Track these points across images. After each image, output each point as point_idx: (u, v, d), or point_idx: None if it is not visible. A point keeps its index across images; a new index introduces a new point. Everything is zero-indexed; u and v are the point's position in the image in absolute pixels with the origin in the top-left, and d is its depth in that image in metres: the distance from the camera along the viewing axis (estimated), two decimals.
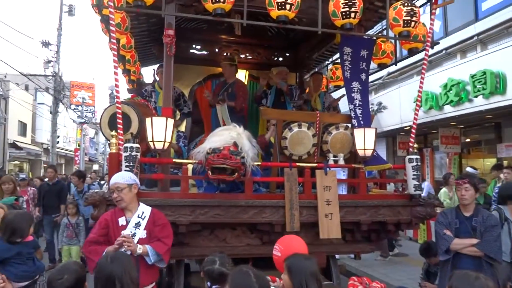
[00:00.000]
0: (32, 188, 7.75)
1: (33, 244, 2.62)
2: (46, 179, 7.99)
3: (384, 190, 4.77)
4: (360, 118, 4.15)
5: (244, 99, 5.49)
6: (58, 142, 23.54)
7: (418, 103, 4.12)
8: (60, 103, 21.83)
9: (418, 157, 3.95)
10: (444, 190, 7.28)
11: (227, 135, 3.53)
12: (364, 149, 3.89)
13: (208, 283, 2.44)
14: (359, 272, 6.69)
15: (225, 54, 6.23)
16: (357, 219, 3.86)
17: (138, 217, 3.00)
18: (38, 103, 26.40)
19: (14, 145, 23.06)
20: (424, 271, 4.69)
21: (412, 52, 4.23)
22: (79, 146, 29.02)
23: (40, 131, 27.60)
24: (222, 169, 3.30)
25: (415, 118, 4.14)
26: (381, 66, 4.86)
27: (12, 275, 2.44)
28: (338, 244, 4.05)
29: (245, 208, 3.59)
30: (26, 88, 25.81)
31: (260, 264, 3.96)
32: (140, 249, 2.84)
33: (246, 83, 6.25)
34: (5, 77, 20.64)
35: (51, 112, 21.80)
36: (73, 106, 28.37)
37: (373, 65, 4.61)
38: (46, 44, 19.99)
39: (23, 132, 25.61)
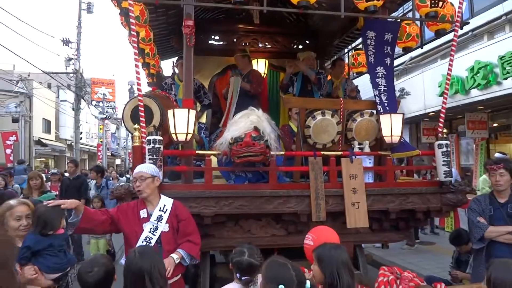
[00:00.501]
0: None
1: (64, 236, 2.64)
2: (67, 174, 7.98)
3: (411, 177, 4.63)
4: (386, 104, 4.03)
5: (258, 85, 5.46)
6: (81, 138, 24.07)
7: (447, 86, 3.95)
8: (82, 100, 22.25)
9: (448, 142, 3.81)
10: (484, 177, 7.03)
11: (246, 121, 3.49)
12: (391, 136, 3.77)
13: (238, 275, 2.40)
14: (385, 262, 6.58)
15: (243, 43, 6.15)
16: (385, 207, 3.76)
17: (160, 210, 2.96)
18: (61, 101, 26.94)
19: (39, 142, 23.68)
20: (454, 260, 4.57)
21: (439, 34, 4.06)
22: (101, 141, 29.53)
23: (64, 127, 28.21)
24: (248, 156, 3.30)
25: (444, 102, 3.98)
26: (406, 50, 4.69)
27: (44, 267, 2.47)
28: (365, 234, 3.96)
29: (269, 199, 3.54)
30: (49, 86, 26.34)
31: (285, 254, 3.93)
32: (177, 259, 2.85)
33: (266, 72, 6.17)
34: (29, 76, 21.06)
35: (73, 109, 22.26)
36: (94, 103, 28.78)
37: (397, 49, 4.46)
38: (66, 42, 20.33)
39: (47, 129, 26.25)
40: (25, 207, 2.66)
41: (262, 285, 1.93)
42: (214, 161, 3.86)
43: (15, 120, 18.40)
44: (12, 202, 2.71)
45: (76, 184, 7.43)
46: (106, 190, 7.68)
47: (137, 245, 2.77)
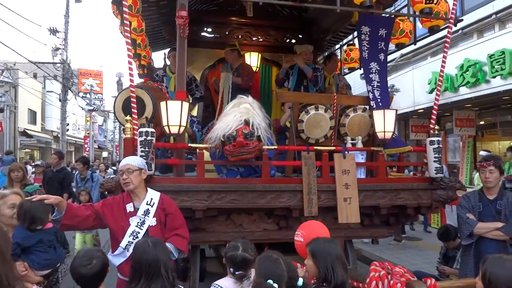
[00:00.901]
0: None
1: (53, 230, 2.58)
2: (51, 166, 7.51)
3: (402, 173, 4.66)
4: (379, 100, 4.04)
5: (249, 79, 5.44)
6: (67, 130, 23.73)
7: (440, 83, 3.98)
8: (69, 91, 21.89)
9: (440, 139, 3.83)
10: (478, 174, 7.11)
11: (236, 113, 3.40)
12: (384, 132, 3.79)
13: (231, 269, 2.39)
14: (374, 257, 6.65)
15: (236, 36, 6.09)
16: (376, 203, 3.78)
17: (147, 204, 2.89)
18: (47, 91, 26.50)
19: (24, 133, 23.27)
20: (441, 255, 4.62)
21: (433, 30, 4.07)
22: (88, 133, 29.16)
23: (50, 119, 27.79)
24: (241, 155, 3.30)
25: (436, 99, 4.01)
26: (399, 46, 4.72)
27: (34, 264, 2.41)
28: (356, 229, 3.98)
29: (262, 193, 3.52)
30: (35, 76, 25.85)
31: (275, 249, 3.93)
32: None
33: (258, 66, 6.13)
34: (14, 65, 20.67)
35: (60, 100, 21.89)
36: (81, 94, 28.40)
37: (390, 45, 4.47)
38: (53, 31, 19.93)
39: (33, 120, 25.80)
40: (17, 197, 2.63)
41: (254, 280, 1.93)
42: (206, 154, 3.82)
43: (0, 110, 18.02)
44: (5, 191, 2.70)
45: (59, 177, 7.07)
46: (91, 182, 7.38)
47: (124, 239, 2.73)
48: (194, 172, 3.70)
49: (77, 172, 8.14)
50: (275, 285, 1.70)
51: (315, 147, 3.82)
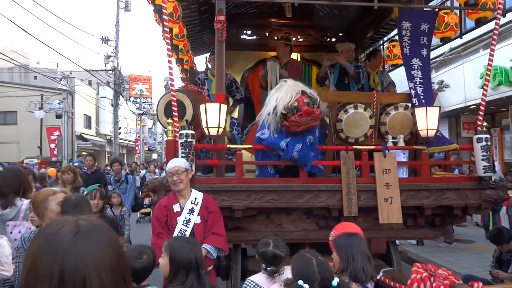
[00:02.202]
0: None
1: None
2: (85, 168, 7.38)
3: (449, 172, 4.47)
4: (422, 97, 3.90)
5: (297, 74, 5.35)
6: (119, 133, 24.86)
7: (488, 77, 3.78)
8: (120, 96, 22.96)
9: (488, 136, 3.64)
10: None
11: (287, 88, 3.42)
12: (427, 129, 3.66)
13: (263, 265, 2.46)
14: (421, 259, 6.40)
15: (276, 37, 6.13)
16: (419, 203, 3.66)
17: (192, 203, 3.07)
18: (101, 97, 27.96)
19: (81, 137, 24.75)
20: (495, 259, 4.39)
21: (480, 22, 3.88)
22: (138, 136, 30.43)
23: (103, 123, 29.30)
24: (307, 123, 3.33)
25: (483, 95, 3.81)
26: (444, 40, 4.52)
27: None
28: (399, 230, 3.87)
29: (300, 193, 3.54)
30: (90, 83, 27.45)
31: (317, 249, 3.91)
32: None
33: None
34: (71, 73, 22.03)
35: (112, 105, 23.01)
36: (132, 99, 29.69)
37: (434, 40, 4.30)
38: (105, 40, 21.01)
39: (88, 125, 27.37)
40: (64, 195, 2.81)
41: (286, 279, 1.97)
42: (245, 155, 3.89)
43: (58, 116, 19.28)
44: (55, 188, 2.88)
45: (94, 179, 6.99)
46: (125, 184, 7.23)
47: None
48: (234, 172, 3.79)
49: (111, 173, 8.10)
50: (306, 285, 1.70)
51: (354, 147, 3.77)
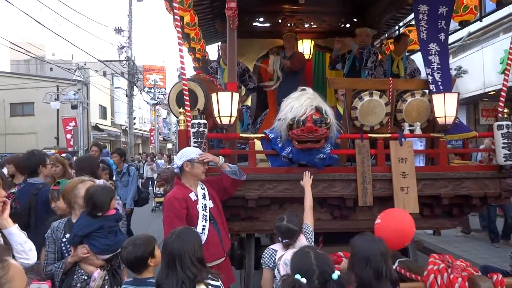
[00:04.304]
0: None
1: (115, 217, 2.73)
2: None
3: (467, 161, 4.36)
4: (439, 83, 3.78)
5: (298, 61, 5.40)
6: (134, 124, 25.09)
7: (509, 62, 3.63)
8: (134, 86, 23.11)
9: (509, 123, 3.52)
10: None
11: (305, 98, 3.34)
12: (445, 117, 3.55)
13: (280, 238, 2.72)
14: (438, 249, 6.31)
15: (289, 24, 6.02)
16: (437, 192, 3.58)
17: (201, 189, 3.12)
18: (115, 88, 28.22)
19: (96, 128, 25.07)
20: None
21: (501, 4, 3.72)
22: (153, 126, 30.66)
23: (118, 113, 29.62)
24: (308, 142, 3.26)
25: (505, 80, 3.67)
26: (463, 24, 4.35)
27: (95, 248, 2.58)
28: (416, 219, 3.71)
29: (314, 182, 3.47)
30: (104, 74, 27.66)
31: (331, 239, 3.87)
32: (222, 160, 3.21)
33: (311, 53, 6.03)
34: (85, 64, 22.21)
35: (126, 95, 23.19)
36: (146, 89, 29.85)
37: (452, 24, 4.15)
38: (119, 30, 21.11)
39: (103, 115, 27.69)
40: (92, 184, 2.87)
41: (282, 276, 1.95)
42: (258, 144, 3.84)
43: (74, 107, 19.52)
44: (84, 177, 3.00)
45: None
46: (127, 176, 6.67)
47: (198, 225, 2.93)
48: (247, 162, 3.75)
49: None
50: (303, 279, 1.66)
51: (370, 135, 3.69)
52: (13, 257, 2.07)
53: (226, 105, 3.40)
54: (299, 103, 3.30)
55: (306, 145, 3.27)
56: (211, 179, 3.27)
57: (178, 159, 3.08)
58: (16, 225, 2.19)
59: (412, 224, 2.70)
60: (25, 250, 2.15)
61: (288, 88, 5.11)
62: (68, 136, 19.79)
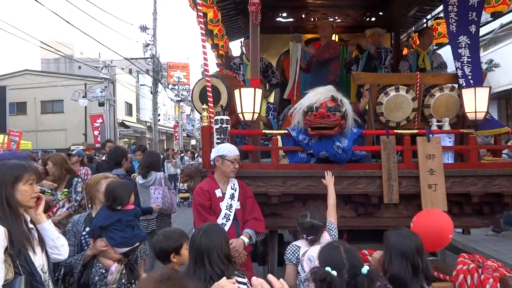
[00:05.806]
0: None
1: (134, 212, 2.77)
2: (96, 156, 6.84)
3: (499, 158, 4.19)
4: (469, 77, 3.65)
5: (327, 53, 5.12)
6: (159, 120, 25.45)
7: None
8: (159, 84, 23.42)
9: None
10: None
11: (322, 89, 3.41)
12: (475, 112, 3.43)
13: (303, 235, 2.71)
14: (467, 248, 6.12)
15: (312, 19, 5.94)
16: (466, 190, 3.46)
17: (232, 189, 3.12)
18: (140, 85, 28.68)
19: (122, 124, 25.58)
20: None
21: None
22: (177, 123, 31.03)
23: (143, 110, 30.11)
24: (321, 129, 3.26)
25: None
26: (496, 16, 4.17)
27: (112, 241, 2.63)
28: None
29: (338, 179, 3.42)
30: (130, 71, 28.17)
31: (356, 236, 3.81)
32: (247, 242, 3.04)
33: None
34: (111, 62, 22.71)
35: (151, 92, 23.54)
36: (170, 86, 30.21)
37: (484, 15, 3.98)
38: (144, 28, 21.39)
39: (129, 112, 28.21)
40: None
41: (312, 268, 1.92)
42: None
43: (101, 104, 19.99)
44: (107, 174, 3.11)
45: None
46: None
47: (218, 221, 2.97)
48: (270, 158, 3.73)
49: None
50: (334, 272, 1.65)
51: (396, 131, 3.60)
52: (46, 252, 2.14)
53: (249, 101, 3.39)
54: (315, 92, 3.39)
55: (319, 132, 3.29)
56: (249, 191, 3.26)
57: (213, 153, 3.15)
58: (50, 220, 2.25)
59: (450, 228, 2.62)
60: (57, 245, 2.20)
61: (315, 79, 5.05)
62: (96, 132, 20.29)
